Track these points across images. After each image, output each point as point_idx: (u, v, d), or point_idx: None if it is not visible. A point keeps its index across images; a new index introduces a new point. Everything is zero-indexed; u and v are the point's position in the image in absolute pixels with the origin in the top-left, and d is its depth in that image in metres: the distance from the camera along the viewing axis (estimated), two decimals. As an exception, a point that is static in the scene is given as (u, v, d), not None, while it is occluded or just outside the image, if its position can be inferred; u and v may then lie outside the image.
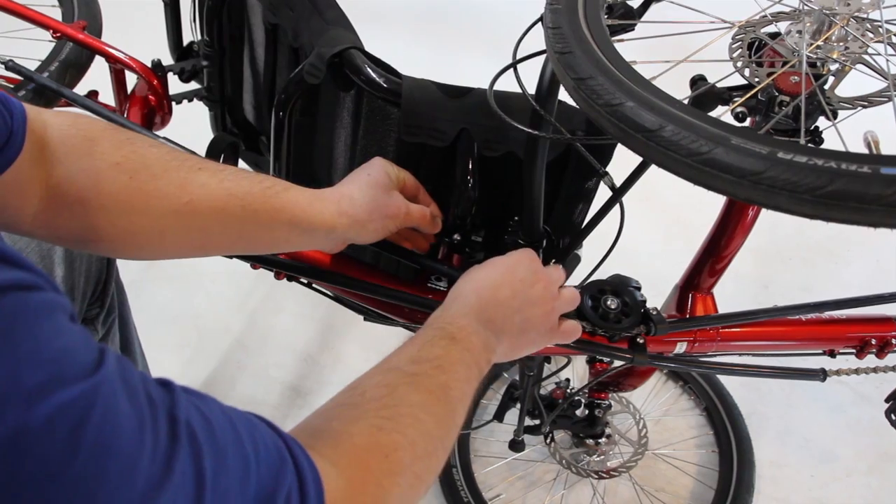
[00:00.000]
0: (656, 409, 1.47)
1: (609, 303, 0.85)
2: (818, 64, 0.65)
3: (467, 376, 0.63)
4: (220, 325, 1.60)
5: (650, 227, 1.87)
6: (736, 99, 0.66)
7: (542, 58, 0.68)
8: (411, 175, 0.81)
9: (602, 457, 1.30)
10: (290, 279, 0.89)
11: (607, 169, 0.78)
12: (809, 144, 0.66)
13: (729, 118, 0.64)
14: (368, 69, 0.79)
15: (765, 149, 0.48)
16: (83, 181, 0.62)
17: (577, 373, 1.51)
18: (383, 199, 0.75)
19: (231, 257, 0.83)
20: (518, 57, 0.72)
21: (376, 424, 0.54)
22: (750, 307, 1.71)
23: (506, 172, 0.82)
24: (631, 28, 0.77)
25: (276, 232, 0.71)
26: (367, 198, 0.74)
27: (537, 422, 1.21)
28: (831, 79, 0.66)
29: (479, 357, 0.66)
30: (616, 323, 0.84)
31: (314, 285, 0.92)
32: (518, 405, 1.18)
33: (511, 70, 0.71)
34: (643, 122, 0.52)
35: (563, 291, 0.76)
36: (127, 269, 1.64)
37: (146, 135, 0.84)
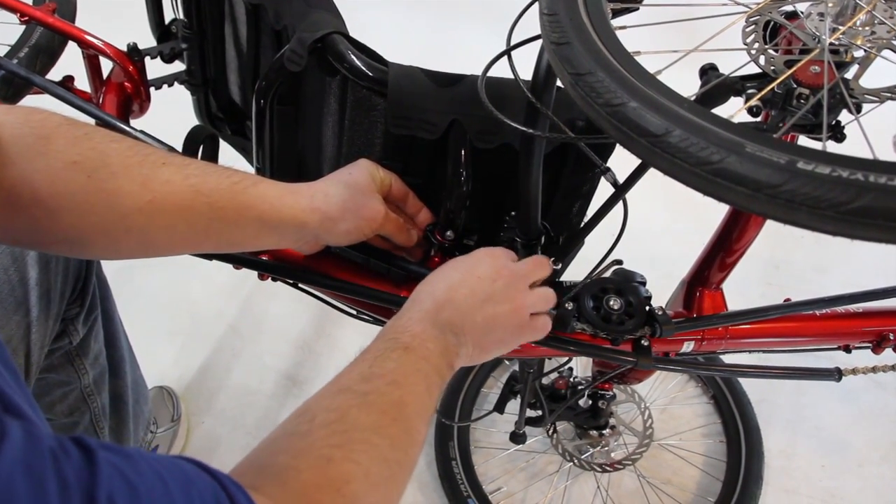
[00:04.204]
0: (662, 397, 1.43)
1: (611, 303, 0.80)
2: (841, 51, 0.59)
3: (426, 387, 0.60)
4: (213, 312, 1.57)
5: (657, 206, 1.81)
6: (750, 91, 0.60)
7: (540, 42, 0.62)
8: (399, 180, 0.77)
9: (606, 448, 1.26)
10: (274, 280, 0.84)
11: (610, 163, 0.73)
12: (832, 143, 0.60)
13: (740, 110, 0.59)
14: (352, 56, 0.73)
15: (783, 157, 0.43)
16: (38, 182, 0.58)
17: (580, 361, 1.47)
18: (360, 200, 0.71)
19: (210, 258, 0.79)
20: (515, 39, 0.66)
21: (326, 455, 0.50)
22: (760, 288, 1.67)
23: (501, 165, 0.77)
24: (635, 8, 0.71)
25: (245, 229, 0.67)
26: (343, 196, 0.70)
27: (539, 412, 1.17)
28: (854, 67, 0.60)
29: (439, 363, 0.62)
30: (619, 325, 0.79)
31: (301, 286, 0.87)
32: (519, 398, 1.15)
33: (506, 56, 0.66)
34: (647, 125, 0.47)
35: (537, 289, 0.72)
36: (118, 255, 1.60)
37: (114, 124, 0.80)
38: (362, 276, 0.82)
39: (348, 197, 0.71)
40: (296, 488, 0.48)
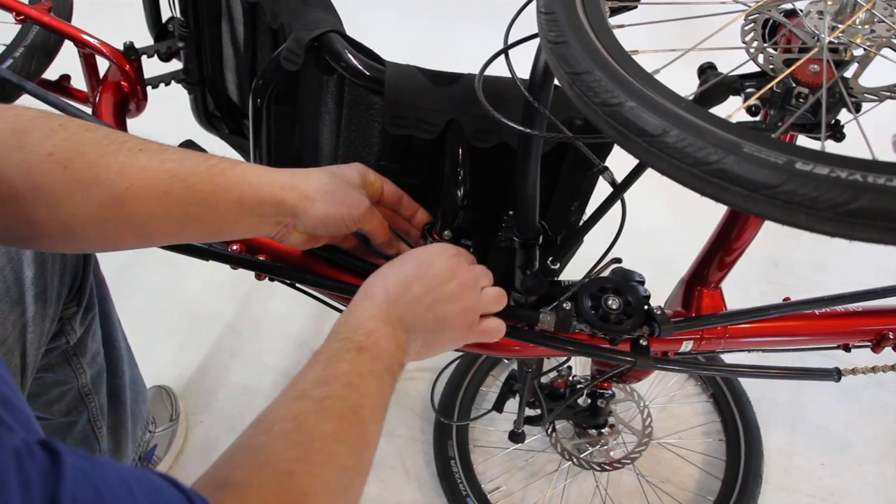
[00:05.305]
0: (661, 395, 1.43)
1: (610, 303, 0.80)
2: (840, 49, 0.59)
3: (379, 387, 0.60)
4: (212, 311, 1.56)
5: (656, 204, 1.81)
6: (749, 90, 0.60)
7: (537, 41, 0.62)
8: (392, 184, 0.76)
9: (605, 447, 1.26)
10: (271, 280, 0.84)
11: (608, 162, 0.73)
12: (831, 142, 0.60)
13: (739, 110, 0.58)
14: (349, 55, 0.73)
15: (781, 158, 0.42)
16: (15, 176, 0.57)
17: (579, 360, 1.47)
18: (343, 188, 0.71)
19: (207, 258, 0.79)
20: (513, 37, 0.66)
21: (285, 469, 0.50)
22: (759, 286, 1.66)
23: (499, 164, 0.76)
24: (634, 6, 0.71)
25: (224, 213, 0.66)
26: (325, 180, 0.70)
27: (538, 411, 1.17)
28: (854, 66, 0.60)
29: (391, 362, 0.62)
30: (617, 325, 0.79)
31: (298, 286, 0.87)
32: (518, 397, 1.14)
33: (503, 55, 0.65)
34: (644, 125, 0.46)
35: (487, 290, 0.73)
36: (116, 254, 1.59)
37: (86, 119, 0.79)
38: (359, 277, 0.81)
39: (330, 182, 0.70)
40: None
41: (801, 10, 0.63)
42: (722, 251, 0.90)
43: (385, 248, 0.78)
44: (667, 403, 1.43)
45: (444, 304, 0.68)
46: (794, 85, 0.59)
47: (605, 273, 0.83)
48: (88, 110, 1.01)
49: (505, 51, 0.65)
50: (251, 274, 0.82)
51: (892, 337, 0.91)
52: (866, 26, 0.59)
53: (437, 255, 0.70)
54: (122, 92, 0.99)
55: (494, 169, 0.77)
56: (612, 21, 0.57)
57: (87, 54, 0.98)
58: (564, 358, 1.16)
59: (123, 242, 0.66)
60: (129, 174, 0.61)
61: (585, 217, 0.83)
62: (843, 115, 0.60)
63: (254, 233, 0.72)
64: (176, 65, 1.14)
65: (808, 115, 0.59)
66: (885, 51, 0.59)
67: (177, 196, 0.63)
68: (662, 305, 0.84)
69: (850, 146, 0.52)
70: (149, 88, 1.07)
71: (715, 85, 0.61)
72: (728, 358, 1.36)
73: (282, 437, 0.52)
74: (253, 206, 0.67)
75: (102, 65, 1.03)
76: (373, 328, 0.63)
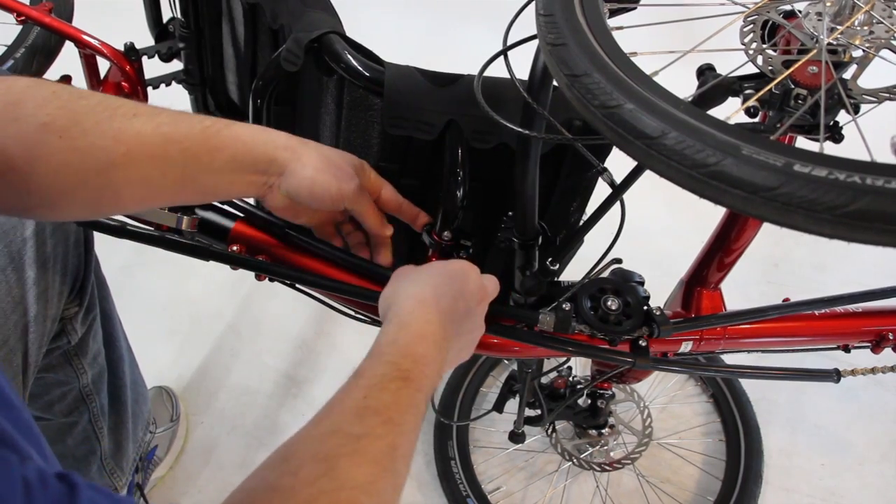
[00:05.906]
0: (661, 395, 1.43)
1: (609, 303, 0.80)
2: (839, 51, 0.59)
3: (416, 423, 0.57)
4: (212, 311, 1.56)
5: (656, 205, 1.81)
6: (748, 91, 0.60)
7: (536, 42, 0.62)
8: (393, 189, 0.76)
9: (605, 448, 1.26)
10: (271, 280, 0.84)
11: (608, 162, 0.73)
12: (830, 144, 0.60)
13: (737, 111, 0.58)
14: (348, 56, 0.73)
15: (780, 160, 0.42)
16: (12, 148, 0.58)
17: (579, 360, 1.47)
18: (336, 161, 0.70)
19: (207, 259, 0.79)
20: (512, 39, 0.66)
21: None
22: (759, 286, 1.66)
23: (498, 165, 0.76)
24: (632, 8, 0.71)
25: (218, 173, 0.66)
26: (322, 150, 0.70)
27: (538, 412, 1.17)
28: (852, 68, 0.60)
29: (430, 389, 0.60)
30: (616, 325, 0.79)
31: (298, 287, 0.87)
32: (518, 397, 1.15)
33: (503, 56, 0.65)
34: (643, 127, 0.46)
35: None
36: (117, 255, 1.60)
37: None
38: (359, 277, 0.81)
39: (327, 153, 0.70)
40: None
41: (800, 12, 0.63)
42: (721, 252, 0.90)
43: (377, 229, 0.77)
44: (667, 404, 1.43)
45: (475, 326, 0.69)
46: (792, 86, 0.59)
47: (605, 273, 0.83)
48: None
49: (504, 52, 0.65)
50: (251, 274, 0.82)
51: (891, 338, 0.91)
52: (865, 28, 0.59)
53: (466, 272, 0.69)
54: (122, 92, 0.99)
55: (494, 170, 0.77)
56: (611, 23, 0.57)
57: (88, 55, 0.98)
58: (564, 358, 1.16)
59: (122, 208, 0.66)
60: (125, 140, 0.61)
61: (585, 217, 0.84)
62: (842, 117, 0.61)
63: (245, 192, 0.71)
64: (176, 65, 1.14)
65: (806, 116, 0.59)
66: (884, 52, 0.59)
67: (172, 159, 0.63)
68: (662, 306, 0.84)
69: (849, 148, 0.53)
70: (149, 89, 1.07)
71: (714, 86, 0.61)
72: (728, 358, 1.36)
73: (309, 482, 0.48)
74: (247, 165, 0.67)
75: (103, 65, 1.04)
76: (422, 353, 0.60)
